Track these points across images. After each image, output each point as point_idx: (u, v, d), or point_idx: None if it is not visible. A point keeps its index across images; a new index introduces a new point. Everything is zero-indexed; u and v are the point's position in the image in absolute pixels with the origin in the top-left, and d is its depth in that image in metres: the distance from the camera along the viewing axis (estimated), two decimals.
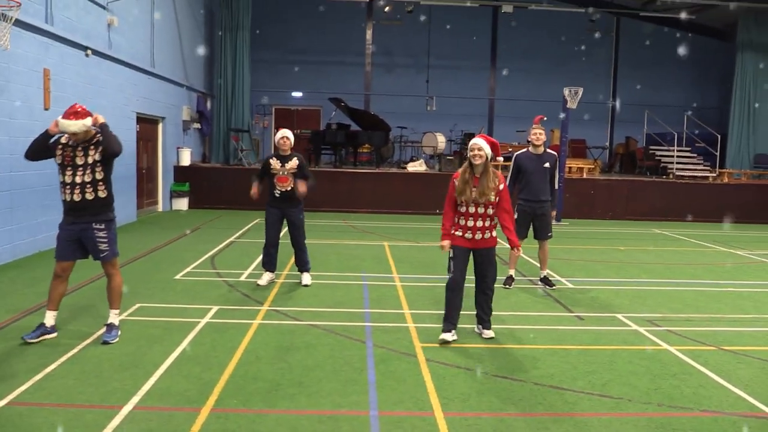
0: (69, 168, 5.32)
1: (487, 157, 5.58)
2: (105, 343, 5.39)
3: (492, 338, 5.83)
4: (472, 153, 5.59)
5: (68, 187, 5.33)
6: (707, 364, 5.35)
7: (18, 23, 8.44)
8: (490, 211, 5.63)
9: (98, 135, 5.37)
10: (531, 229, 7.91)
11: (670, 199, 16.98)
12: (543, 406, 4.43)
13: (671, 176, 18.38)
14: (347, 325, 6.21)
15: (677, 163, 18.81)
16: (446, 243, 5.72)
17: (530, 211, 7.79)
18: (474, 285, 5.88)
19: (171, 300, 7.00)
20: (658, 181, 17.60)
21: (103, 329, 5.68)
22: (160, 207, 15.78)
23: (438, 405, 4.38)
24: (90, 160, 5.34)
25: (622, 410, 4.40)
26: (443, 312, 5.80)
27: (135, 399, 4.32)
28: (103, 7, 11.82)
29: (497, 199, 5.62)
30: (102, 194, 5.41)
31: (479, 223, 5.62)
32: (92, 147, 5.36)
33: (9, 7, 7.88)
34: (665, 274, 9.42)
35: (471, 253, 5.73)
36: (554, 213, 8.02)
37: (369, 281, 8.23)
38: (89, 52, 11.08)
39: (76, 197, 5.32)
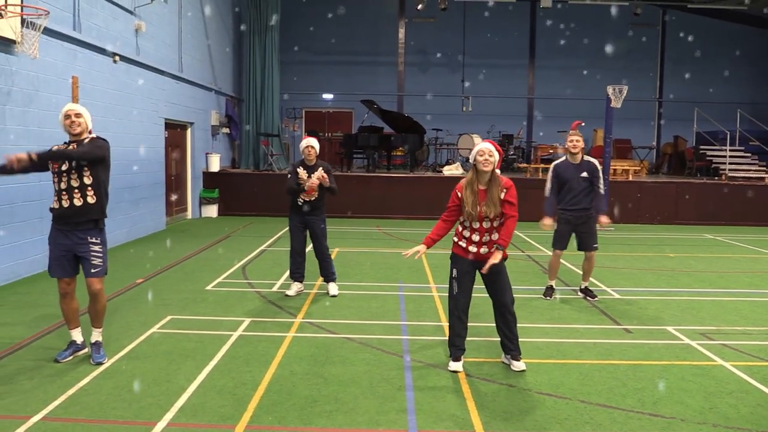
0: (55, 174, 5.28)
1: (494, 164, 5.21)
2: (98, 363, 5.35)
3: (523, 371, 5.35)
4: (482, 158, 5.17)
5: (56, 193, 5.30)
6: (766, 381, 5.23)
7: (46, 31, 8.69)
8: (496, 223, 5.23)
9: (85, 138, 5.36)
10: (574, 239, 7.85)
11: (723, 202, 16.65)
12: (590, 426, 4.38)
13: (723, 177, 18.03)
14: (384, 338, 6.24)
15: (730, 163, 18.46)
16: (421, 248, 5.30)
17: (572, 221, 7.69)
18: (492, 307, 5.47)
19: (203, 312, 7.12)
20: (709, 183, 17.28)
21: (136, 342, 5.81)
22: (189, 214, 16.05)
23: (479, 424, 4.37)
24: (74, 163, 5.24)
25: (674, 430, 4.33)
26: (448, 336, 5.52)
27: (168, 415, 4.40)
28: (131, 12, 12.09)
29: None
30: (91, 200, 5.30)
31: (485, 238, 5.25)
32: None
33: (38, 15, 8.12)
34: (719, 283, 9.24)
35: (477, 270, 5.32)
36: (603, 218, 7.70)
37: (405, 291, 8.25)
38: (117, 58, 11.35)
39: (65, 203, 5.24)
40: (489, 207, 5.16)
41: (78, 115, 5.34)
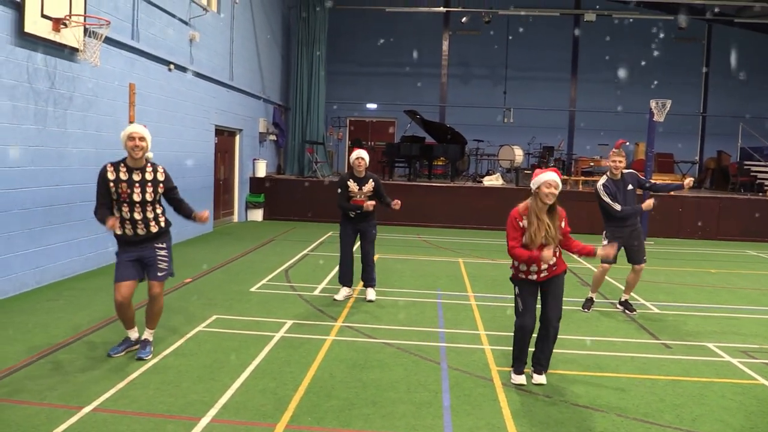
0: (126, 204, 5.28)
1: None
2: (140, 359, 5.45)
3: (542, 384, 5.22)
4: (548, 190, 4.92)
5: (128, 222, 5.31)
6: None
7: (107, 40, 8.95)
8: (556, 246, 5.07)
9: (157, 168, 5.40)
10: (623, 253, 7.64)
11: (766, 219, 16.15)
12: None
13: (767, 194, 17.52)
14: (422, 344, 6.23)
15: None
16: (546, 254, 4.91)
17: (620, 235, 7.51)
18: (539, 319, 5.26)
19: (247, 312, 7.21)
20: (753, 199, 16.79)
21: (183, 340, 5.93)
22: (235, 218, 16.28)
23: None
24: (149, 197, 5.31)
25: None
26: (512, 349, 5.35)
27: (212, 412, 4.47)
28: (186, 23, 12.36)
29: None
30: (163, 224, 5.46)
31: (544, 264, 5.05)
32: (150, 184, 5.33)
33: (99, 25, 8.37)
34: (761, 300, 8.97)
35: (539, 286, 5.20)
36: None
37: (444, 299, 8.22)
38: (172, 66, 11.61)
39: (140, 231, 5.34)
40: (551, 237, 4.98)
41: (142, 139, 5.30)
